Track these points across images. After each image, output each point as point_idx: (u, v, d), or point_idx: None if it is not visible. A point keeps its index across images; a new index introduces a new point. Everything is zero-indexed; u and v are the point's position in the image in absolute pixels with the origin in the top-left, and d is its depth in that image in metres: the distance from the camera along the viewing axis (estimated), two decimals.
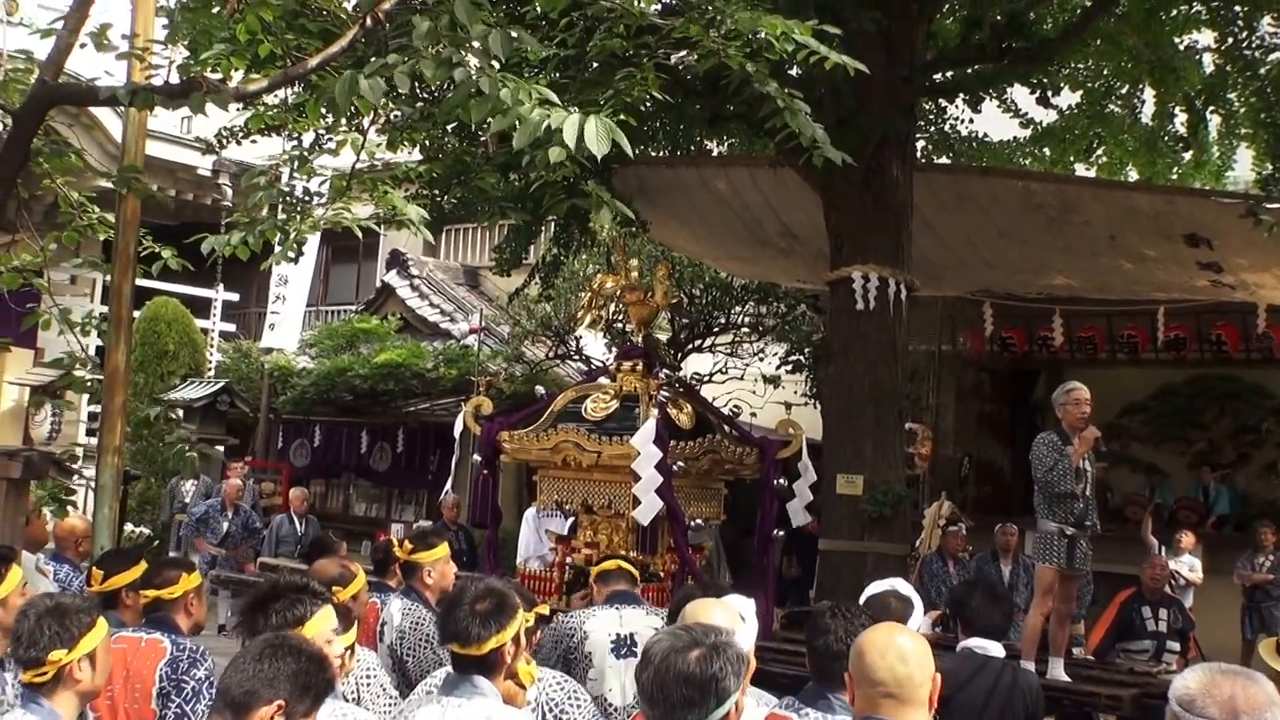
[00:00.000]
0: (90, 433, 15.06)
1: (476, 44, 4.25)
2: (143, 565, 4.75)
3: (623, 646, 4.93)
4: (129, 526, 11.14)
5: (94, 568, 4.80)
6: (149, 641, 4.15)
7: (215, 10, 5.47)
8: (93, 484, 6.43)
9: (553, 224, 10.61)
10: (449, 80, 4.22)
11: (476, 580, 3.63)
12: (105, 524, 6.29)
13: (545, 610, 5.33)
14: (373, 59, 4.51)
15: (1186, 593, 10.22)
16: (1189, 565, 10.61)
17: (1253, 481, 13.39)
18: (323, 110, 5.71)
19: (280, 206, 5.82)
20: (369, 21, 4.55)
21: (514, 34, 4.29)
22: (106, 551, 5.78)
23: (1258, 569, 10.86)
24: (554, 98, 4.17)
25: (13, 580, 4.09)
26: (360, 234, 5.72)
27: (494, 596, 3.40)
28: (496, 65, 4.21)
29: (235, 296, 18.71)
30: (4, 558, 4.19)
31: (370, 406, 15.60)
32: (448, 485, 9.70)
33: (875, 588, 4.49)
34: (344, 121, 7.51)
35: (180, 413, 14.97)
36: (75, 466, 6.45)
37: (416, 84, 6.27)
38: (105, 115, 13.32)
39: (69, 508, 6.80)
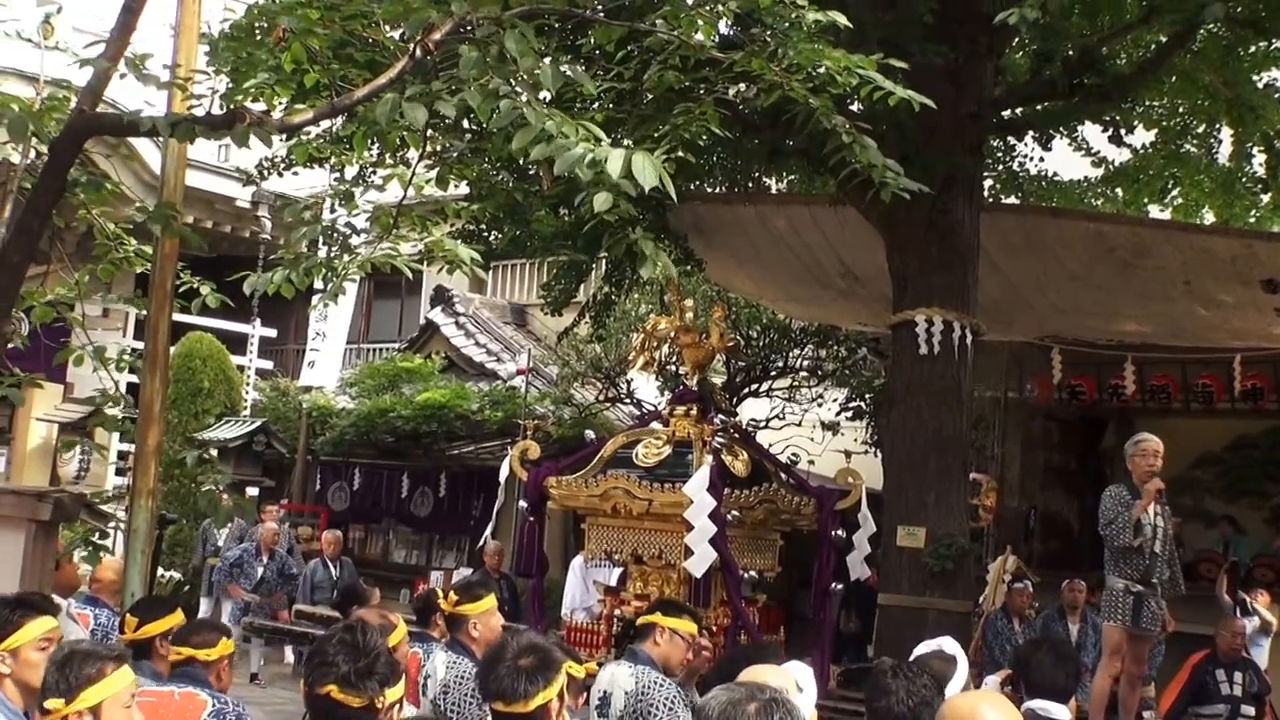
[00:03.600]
0: (120, 472, 14.95)
1: (526, 76, 4.11)
2: (179, 614, 4.72)
3: (604, 705, 4.79)
4: (159, 571, 10.98)
5: (128, 615, 4.76)
6: (184, 695, 4.04)
7: (260, 39, 5.32)
8: (124, 527, 6.29)
9: (604, 261, 10.47)
10: (495, 111, 4.08)
11: (518, 634, 3.57)
12: (138, 570, 6.15)
13: (594, 668, 5.11)
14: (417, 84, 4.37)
15: (1260, 645, 9.76)
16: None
17: None
18: (369, 143, 5.58)
19: (323, 241, 5.68)
20: (418, 52, 4.40)
21: (565, 69, 4.16)
22: (141, 599, 5.73)
23: None
24: (600, 134, 4.09)
25: (31, 631, 3.85)
26: (410, 273, 5.55)
27: (537, 652, 3.35)
28: (545, 97, 4.07)
29: (273, 332, 18.54)
30: (23, 604, 3.98)
31: (412, 449, 15.36)
32: (488, 532, 9.49)
33: (923, 649, 4.47)
34: (390, 156, 7.39)
35: (215, 454, 14.76)
36: (109, 510, 6.29)
37: (466, 118, 6.13)
38: (143, 145, 13.17)
39: (103, 553, 6.62)
